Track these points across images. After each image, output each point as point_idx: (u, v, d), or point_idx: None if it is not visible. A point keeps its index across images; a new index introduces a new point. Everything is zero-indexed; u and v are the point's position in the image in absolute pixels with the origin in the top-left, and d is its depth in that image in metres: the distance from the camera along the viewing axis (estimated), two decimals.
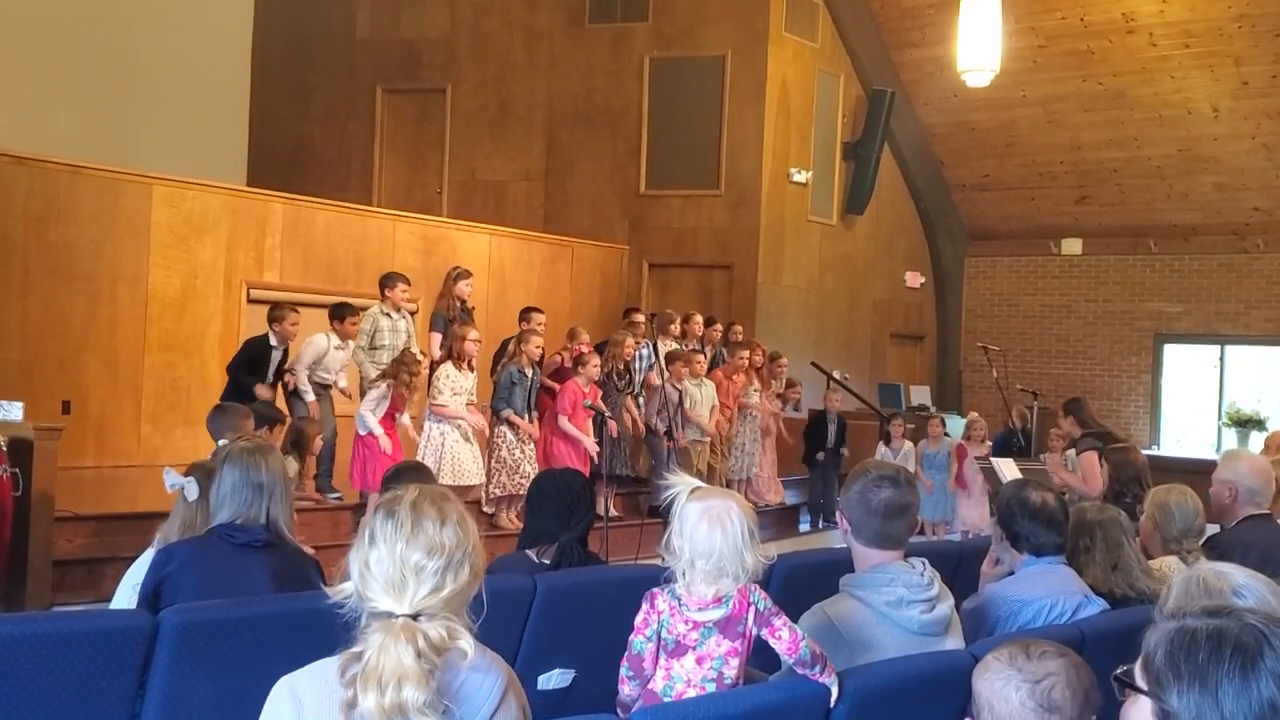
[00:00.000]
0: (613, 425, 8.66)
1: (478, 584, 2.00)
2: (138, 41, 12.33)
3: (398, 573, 1.90)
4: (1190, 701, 1.53)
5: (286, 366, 7.74)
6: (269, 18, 13.98)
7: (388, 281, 8.32)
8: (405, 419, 7.71)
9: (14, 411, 6.28)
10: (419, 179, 13.75)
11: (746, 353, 10.05)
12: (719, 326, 10.60)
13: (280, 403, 7.66)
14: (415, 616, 1.88)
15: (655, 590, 2.57)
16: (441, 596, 1.91)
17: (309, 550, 3.91)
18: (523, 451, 8.19)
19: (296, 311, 7.92)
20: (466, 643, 1.90)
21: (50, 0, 11.71)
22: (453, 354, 7.94)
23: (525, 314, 8.96)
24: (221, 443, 5.38)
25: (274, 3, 13.99)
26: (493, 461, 8.14)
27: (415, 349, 8.07)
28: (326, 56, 13.96)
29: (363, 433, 7.47)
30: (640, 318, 9.93)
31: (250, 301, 9.58)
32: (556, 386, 8.59)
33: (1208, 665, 1.53)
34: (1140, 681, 1.60)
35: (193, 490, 3.83)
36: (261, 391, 7.45)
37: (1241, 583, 2.24)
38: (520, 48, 13.50)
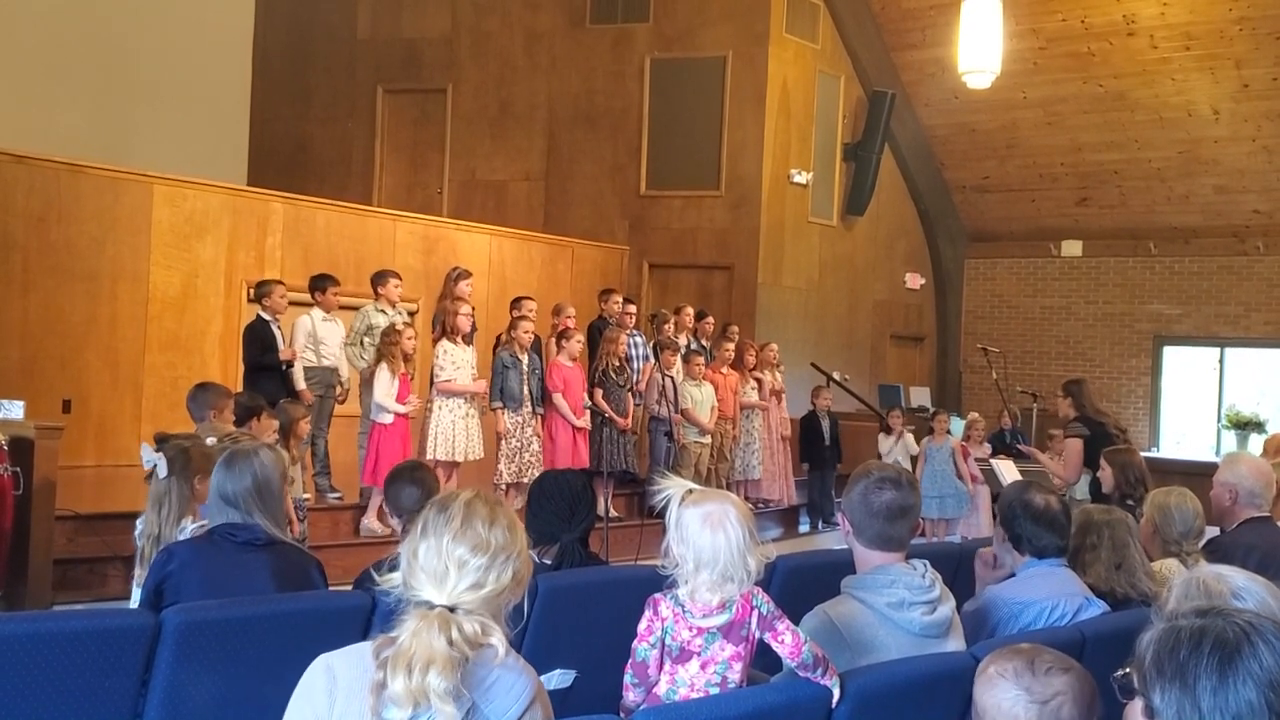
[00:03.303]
0: (624, 422, 8.85)
1: (520, 591, 2.05)
2: (139, 41, 12.32)
3: (441, 565, 1.97)
4: (1171, 698, 1.54)
5: (285, 357, 7.76)
6: (270, 17, 13.97)
7: (379, 279, 8.34)
8: (412, 401, 7.74)
9: (15, 410, 6.29)
10: (419, 179, 13.76)
11: (731, 346, 10.09)
12: (710, 320, 10.64)
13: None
14: (453, 609, 1.93)
15: (658, 596, 2.55)
16: (481, 594, 1.96)
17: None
18: (521, 440, 8.22)
19: (282, 284, 8.02)
20: (499, 641, 1.95)
21: (52, 0, 11.70)
22: (446, 330, 8.00)
23: (516, 302, 9.00)
24: (202, 425, 5.43)
25: (275, 2, 13.98)
26: (498, 451, 8.17)
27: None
28: (327, 56, 13.96)
29: (385, 420, 7.53)
30: (617, 298, 9.94)
31: (251, 301, 9.58)
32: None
33: (1187, 662, 1.54)
34: (1134, 682, 1.61)
35: (163, 467, 3.87)
36: (285, 353, 7.64)
37: (1241, 585, 2.24)
38: (521, 48, 13.50)
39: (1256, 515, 4.23)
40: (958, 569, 4.30)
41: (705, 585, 2.48)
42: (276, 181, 11.62)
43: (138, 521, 4.05)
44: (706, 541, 2.47)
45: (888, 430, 10.69)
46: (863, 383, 13.73)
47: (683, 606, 2.51)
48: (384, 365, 7.60)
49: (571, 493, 3.82)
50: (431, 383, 8.10)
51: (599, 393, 8.77)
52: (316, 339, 7.95)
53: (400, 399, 7.61)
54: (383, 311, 8.17)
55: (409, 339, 7.71)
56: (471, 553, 1.97)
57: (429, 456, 7.64)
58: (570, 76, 13.37)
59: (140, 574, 3.82)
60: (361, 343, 8.06)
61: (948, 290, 15.44)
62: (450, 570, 1.96)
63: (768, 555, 2.58)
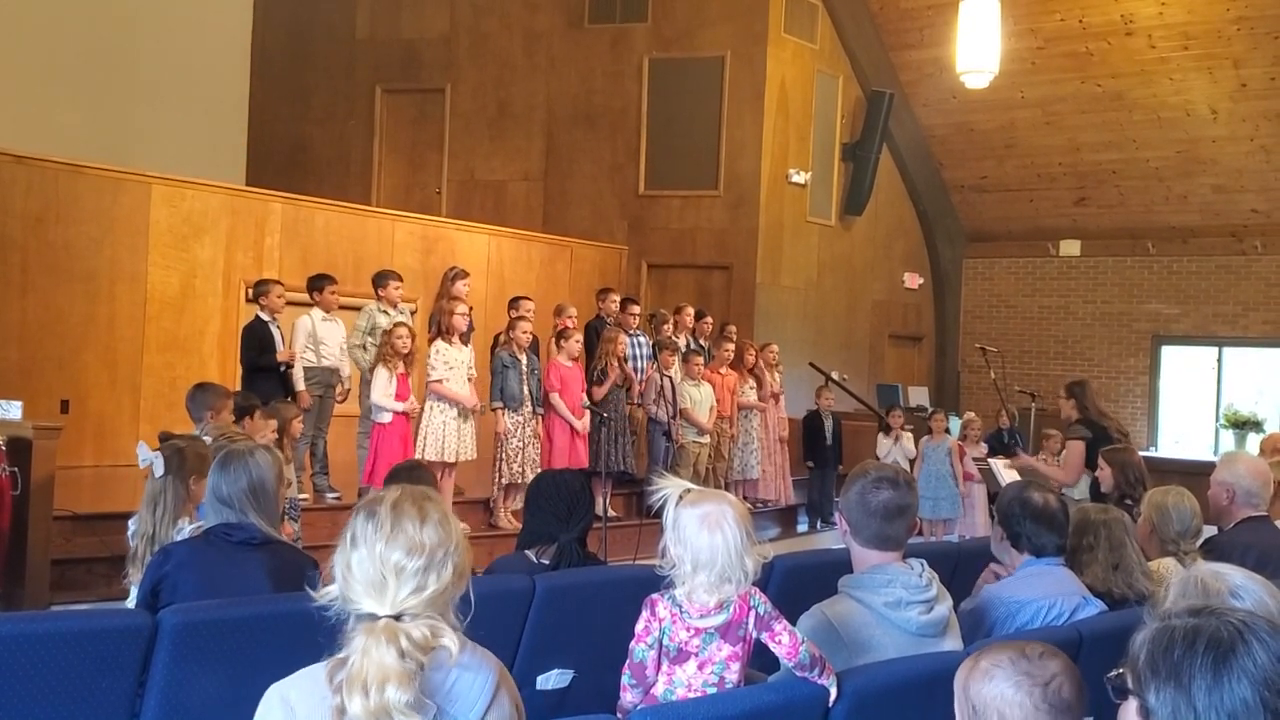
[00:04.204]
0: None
1: (464, 584, 1.99)
2: (137, 41, 12.32)
3: (378, 574, 1.90)
4: (1166, 698, 1.54)
5: (283, 358, 7.76)
6: (268, 18, 13.98)
7: (380, 280, 8.34)
8: (411, 401, 7.74)
9: (13, 411, 6.29)
10: (418, 179, 13.76)
11: (731, 346, 10.08)
12: (709, 320, 10.65)
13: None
14: (398, 617, 1.88)
15: (655, 597, 2.55)
16: (424, 596, 1.91)
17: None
18: (522, 440, 8.21)
19: (280, 283, 8.03)
20: (450, 640, 1.90)
21: (51, 0, 11.70)
22: (442, 329, 7.99)
23: (514, 302, 9.01)
24: (201, 425, 5.44)
25: (273, 3, 13.98)
26: (498, 451, 8.17)
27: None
28: (326, 56, 13.96)
29: (384, 419, 7.53)
30: (615, 297, 9.95)
31: (249, 301, 9.58)
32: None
33: (1182, 662, 1.54)
34: (1128, 682, 1.61)
35: (159, 466, 3.87)
36: (282, 355, 7.64)
37: (1239, 584, 2.24)
38: (519, 48, 13.50)
39: (1254, 514, 4.23)
40: (955, 568, 4.30)
41: (703, 586, 2.48)
42: (275, 182, 11.62)
43: (130, 521, 4.05)
44: (705, 542, 2.47)
45: (887, 430, 10.69)
46: (861, 383, 13.73)
47: (680, 607, 2.51)
48: (381, 365, 7.61)
49: (569, 493, 3.82)
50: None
51: (597, 391, 8.76)
52: (316, 339, 7.96)
53: (399, 398, 7.61)
54: (385, 313, 8.17)
55: (400, 338, 7.69)
56: (407, 556, 1.91)
57: (418, 456, 7.65)
58: (569, 77, 13.38)
59: (133, 574, 3.82)
60: (365, 344, 8.07)
61: (946, 290, 15.44)
62: (388, 579, 1.89)
63: (764, 555, 2.58)
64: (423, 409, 7.87)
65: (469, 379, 8.04)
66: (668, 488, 2.56)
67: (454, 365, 7.93)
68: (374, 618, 1.88)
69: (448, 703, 1.91)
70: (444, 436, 7.81)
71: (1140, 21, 12.32)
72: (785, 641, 2.52)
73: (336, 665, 1.88)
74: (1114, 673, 1.66)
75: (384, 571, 1.90)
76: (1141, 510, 4.21)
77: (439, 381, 7.83)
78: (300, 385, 7.75)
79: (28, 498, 5.98)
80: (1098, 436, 6.43)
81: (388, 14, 13.77)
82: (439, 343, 7.95)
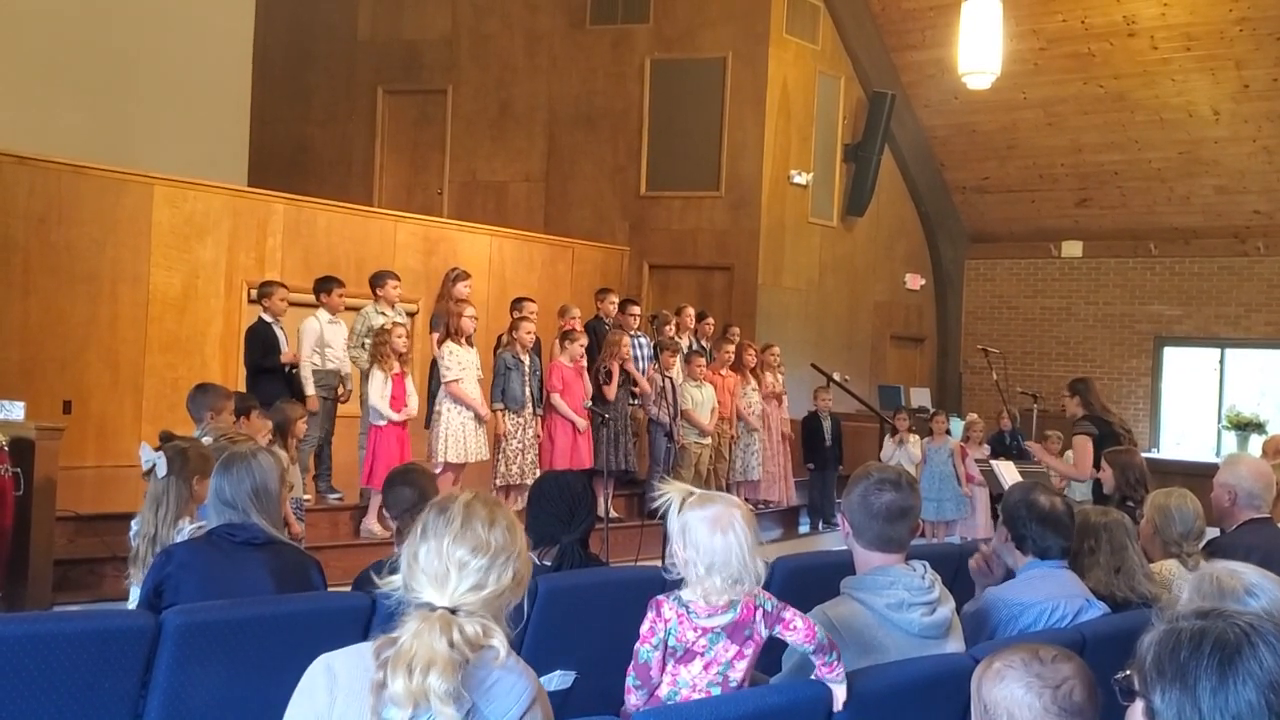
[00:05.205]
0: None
1: (521, 591, 2.06)
2: (139, 42, 12.31)
3: (443, 567, 1.98)
4: (1171, 699, 1.54)
5: (287, 360, 7.76)
6: (270, 18, 13.96)
7: (378, 280, 8.34)
8: (412, 402, 7.74)
9: (15, 411, 6.29)
10: (420, 180, 13.76)
11: (731, 347, 10.08)
12: (710, 321, 10.64)
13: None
14: (455, 611, 1.94)
15: (660, 598, 2.55)
16: (482, 595, 1.97)
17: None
18: (523, 441, 8.21)
19: (284, 285, 8.03)
20: (500, 642, 1.96)
21: (52, 0, 11.70)
22: (450, 330, 7.99)
23: (517, 303, 9.01)
24: (201, 425, 5.44)
25: (275, 3, 13.97)
26: (498, 453, 8.17)
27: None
28: (327, 57, 13.97)
29: (380, 423, 7.53)
30: (613, 298, 9.94)
31: (251, 302, 9.58)
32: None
33: (1188, 663, 1.54)
34: (1134, 683, 1.62)
35: (162, 467, 3.88)
36: (286, 356, 7.64)
37: (1254, 582, 2.25)
38: (521, 49, 13.51)
39: (1256, 516, 4.23)
40: (957, 570, 4.30)
41: (717, 588, 2.48)
42: (277, 183, 11.61)
43: (132, 522, 4.05)
44: (718, 544, 2.48)
45: (893, 432, 10.66)
46: (863, 384, 13.73)
47: (686, 608, 2.51)
48: (376, 367, 7.60)
49: (571, 494, 3.82)
50: (430, 383, 8.08)
51: (608, 391, 8.76)
52: (323, 342, 7.95)
53: (395, 398, 7.59)
54: (382, 314, 8.17)
55: (399, 337, 7.69)
56: (472, 554, 1.98)
57: (439, 459, 7.65)
58: (570, 77, 13.38)
59: (135, 574, 3.82)
60: (363, 345, 8.07)
61: (948, 291, 15.44)
62: (451, 572, 1.97)
63: (765, 558, 2.59)
64: (431, 410, 7.86)
65: (479, 380, 8.06)
66: (670, 493, 2.57)
67: (465, 365, 7.95)
68: (431, 608, 1.94)
69: (484, 701, 1.95)
70: (464, 437, 7.83)
71: (1142, 22, 12.32)
72: (800, 626, 2.54)
73: (386, 643, 1.93)
74: (1121, 674, 1.66)
75: (448, 564, 1.98)
76: (1144, 512, 4.21)
77: (455, 382, 7.84)
78: (310, 389, 7.74)
79: (30, 498, 5.98)
80: (1104, 433, 6.43)
81: (389, 15, 13.78)
82: (449, 344, 7.95)
